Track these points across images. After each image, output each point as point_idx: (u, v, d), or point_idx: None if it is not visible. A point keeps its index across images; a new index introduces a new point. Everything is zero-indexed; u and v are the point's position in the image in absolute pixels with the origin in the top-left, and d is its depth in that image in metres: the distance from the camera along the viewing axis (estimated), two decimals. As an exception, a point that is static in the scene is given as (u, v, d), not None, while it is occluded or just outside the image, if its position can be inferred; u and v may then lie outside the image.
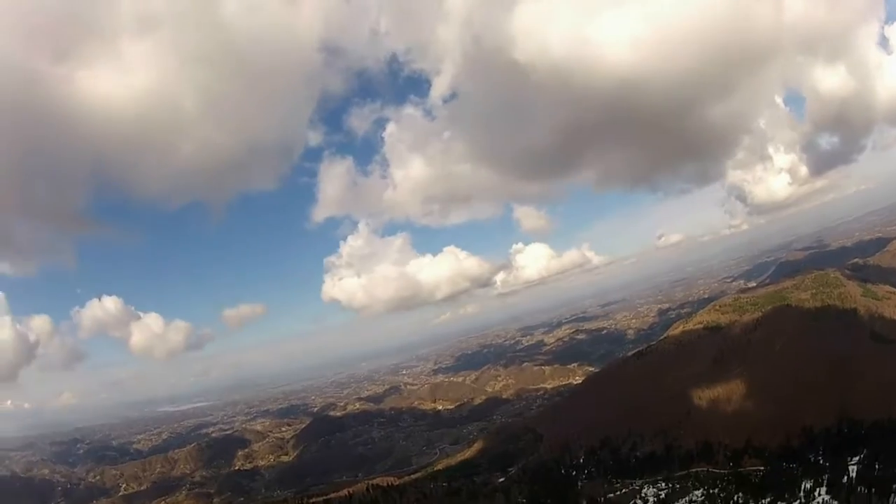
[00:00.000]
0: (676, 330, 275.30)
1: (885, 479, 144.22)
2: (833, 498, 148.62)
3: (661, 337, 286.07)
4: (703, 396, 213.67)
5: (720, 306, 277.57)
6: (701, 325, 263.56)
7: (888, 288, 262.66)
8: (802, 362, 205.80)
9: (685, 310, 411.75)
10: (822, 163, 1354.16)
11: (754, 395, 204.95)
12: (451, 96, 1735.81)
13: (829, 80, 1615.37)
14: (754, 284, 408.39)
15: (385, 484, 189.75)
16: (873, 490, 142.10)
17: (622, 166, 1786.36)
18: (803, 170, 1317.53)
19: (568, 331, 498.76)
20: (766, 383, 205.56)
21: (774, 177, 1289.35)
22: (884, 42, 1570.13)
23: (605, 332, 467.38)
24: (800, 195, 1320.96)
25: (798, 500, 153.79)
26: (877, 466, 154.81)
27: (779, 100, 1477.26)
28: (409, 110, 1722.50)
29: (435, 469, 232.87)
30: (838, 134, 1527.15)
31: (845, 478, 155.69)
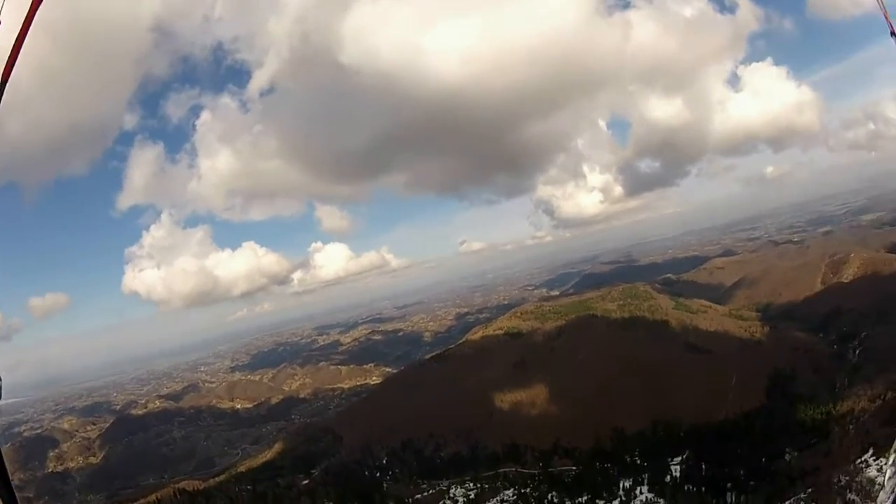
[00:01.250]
0: (476, 335, 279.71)
1: (715, 478, 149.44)
2: (657, 496, 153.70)
3: (460, 341, 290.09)
4: (506, 400, 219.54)
5: (521, 313, 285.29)
6: (501, 331, 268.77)
7: (703, 302, 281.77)
8: (612, 369, 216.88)
9: (484, 315, 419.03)
10: (639, 184, 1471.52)
11: (559, 399, 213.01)
12: (269, 90, 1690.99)
13: (663, 109, 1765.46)
14: (557, 293, 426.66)
15: (191, 488, 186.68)
16: (703, 489, 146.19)
17: (434, 173, 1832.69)
18: (617, 189, 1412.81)
19: (364, 331, 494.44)
20: (572, 388, 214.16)
21: (586, 194, 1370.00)
22: (734, 80, 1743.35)
23: (401, 333, 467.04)
24: (611, 213, 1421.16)
25: (618, 499, 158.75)
26: (703, 466, 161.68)
27: (602, 123, 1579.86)
28: (226, 100, 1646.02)
29: (238, 471, 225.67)
30: (661, 159, 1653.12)
31: (668, 477, 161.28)
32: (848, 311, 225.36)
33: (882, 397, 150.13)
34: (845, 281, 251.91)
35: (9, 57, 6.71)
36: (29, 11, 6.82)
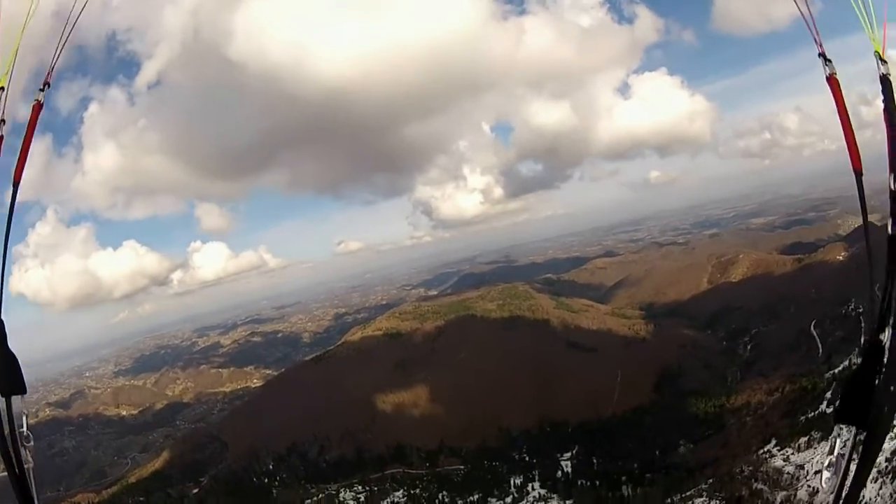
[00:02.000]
0: (355, 336, 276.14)
1: (608, 473, 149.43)
2: (549, 492, 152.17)
3: (339, 342, 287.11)
4: (388, 401, 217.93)
5: (400, 313, 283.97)
6: (380, 332, 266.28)
7: (585, 301, 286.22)
8: (494, 368, 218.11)
9: (362, 315, 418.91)
10: (520, 187, 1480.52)
11: (443, 399, 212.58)
12: (157, 83, 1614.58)
13: (549, 114, 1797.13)
14: (435, 293, 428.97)
15: (86, 502, 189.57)
16: (597, 483, 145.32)
17: (314, 172, 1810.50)
18: (498, 191, 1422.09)
19: (243, 333, 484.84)
20: (455, 388, 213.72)
21: (466, 195, 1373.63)
22: (624, 88, 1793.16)
23: (280, 335, 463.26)
24: (491, 214, 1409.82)
25: (511, 496, 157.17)
26: (594, 461, 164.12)
27: (486, 126, 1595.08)
28: (115, 92, 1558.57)
29: (129, 482, 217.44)
30: (544, 162, 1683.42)
31: (559, 473, 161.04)
32: (737, 309, 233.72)
33: (780, 390, 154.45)
34: (734, 280, 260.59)
35: (17, 161, 7.42)
36: (32, 115, 7.80)
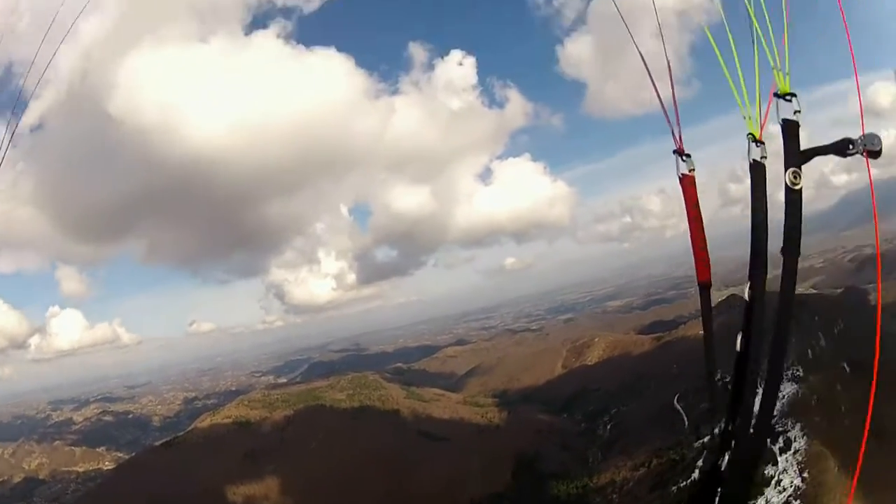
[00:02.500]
0: (204, 422, 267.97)
1: None
2: None
3: (189, 428, 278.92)
4: (239, 493, 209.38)
5: (249, 401, 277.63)
6: (230, 419, 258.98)
7: (436, 390, 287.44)
8: (345, 459, 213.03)
9: (212, 401, 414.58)
10: (374, 273, 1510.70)
11: (294, 492, 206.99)
12: (38, 127, 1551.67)
13: (408, 198, 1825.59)
14: (285, 381, 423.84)
15: None
16: None
17: (173, 243, 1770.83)
18: (351, 277, 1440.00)
19: (96, 410, 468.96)
20: (307, 481, 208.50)
21: (319, 280, 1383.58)
22: (486, 174, 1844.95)
23: (131, 415, 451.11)
24: (343, 300, 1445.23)
25: None
26: None
27: (344, 208, 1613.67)
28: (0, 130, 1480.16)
29: None
30: (399, 248, 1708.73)
31: None
32: (594, 391, 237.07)
33: (646, 465, 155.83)
34: (590, 363, 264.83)
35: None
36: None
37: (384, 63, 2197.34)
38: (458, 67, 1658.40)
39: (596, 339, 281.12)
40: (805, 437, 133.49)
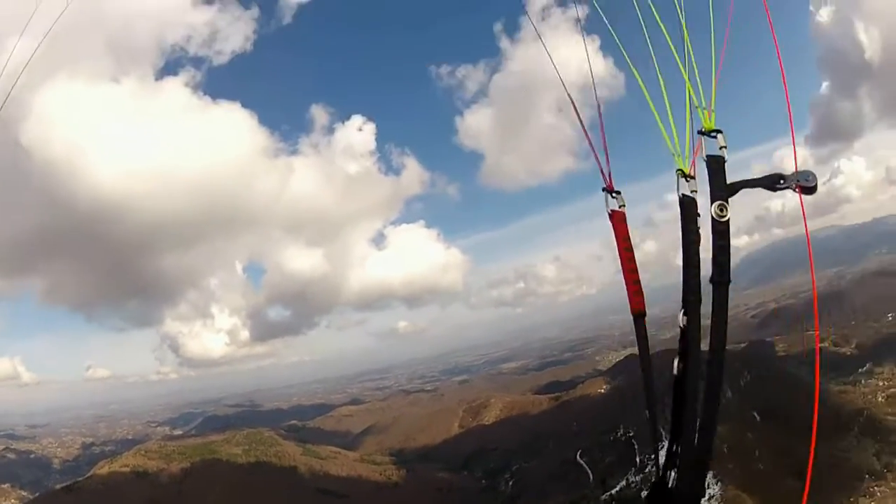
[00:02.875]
0: (103, 469, 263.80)
1: None
2: None
3: (89, 474, 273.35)
4: None
5: (146, 451, 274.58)
6: (128, 468, 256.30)
7: (332, 448, 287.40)
8: None
9: (109, 448, 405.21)
10: (267, 331, 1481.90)
11: None
12: None
13: (302, 260, 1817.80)
14: (180, 433, 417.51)
15: None
16: None
17: (72, 285, 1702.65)
18: (245, 333, 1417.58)
19: (0, 446, 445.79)
20: None
21: (213, 335, 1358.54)
22: (380, 239, 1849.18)
23: (33, 455, 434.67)
24: (236, 356, 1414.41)
25: None
26: None
27: (239, 265, 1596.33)
28: None
29: None
30: (292, 308, 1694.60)
31: None
32: (493, 450, 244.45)
33: None
34: (487, 423, 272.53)
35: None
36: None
37: (286, 122, 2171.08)
38: (358, 132, 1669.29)
39: (492, 400, 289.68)
40: (719, 484, 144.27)
